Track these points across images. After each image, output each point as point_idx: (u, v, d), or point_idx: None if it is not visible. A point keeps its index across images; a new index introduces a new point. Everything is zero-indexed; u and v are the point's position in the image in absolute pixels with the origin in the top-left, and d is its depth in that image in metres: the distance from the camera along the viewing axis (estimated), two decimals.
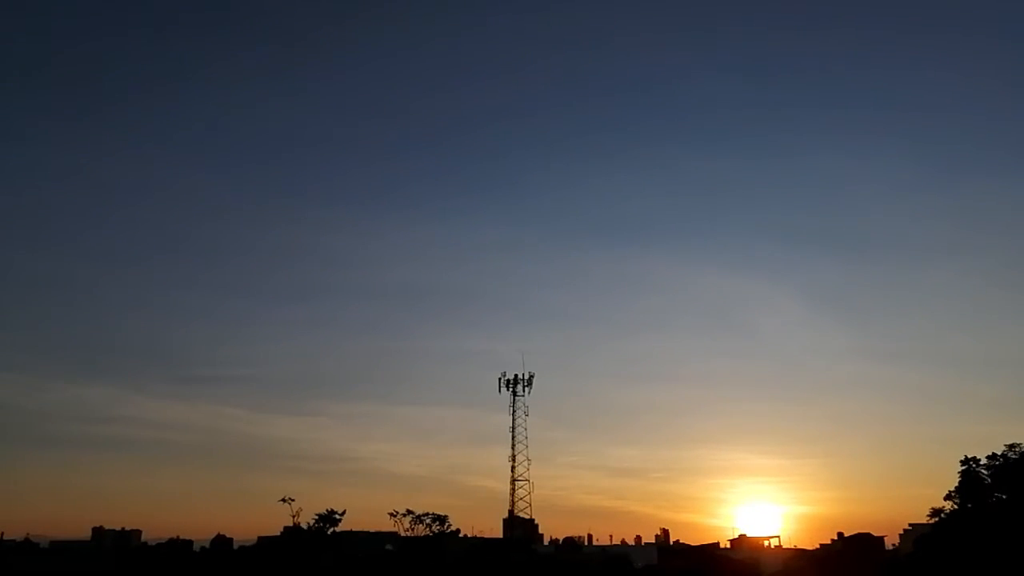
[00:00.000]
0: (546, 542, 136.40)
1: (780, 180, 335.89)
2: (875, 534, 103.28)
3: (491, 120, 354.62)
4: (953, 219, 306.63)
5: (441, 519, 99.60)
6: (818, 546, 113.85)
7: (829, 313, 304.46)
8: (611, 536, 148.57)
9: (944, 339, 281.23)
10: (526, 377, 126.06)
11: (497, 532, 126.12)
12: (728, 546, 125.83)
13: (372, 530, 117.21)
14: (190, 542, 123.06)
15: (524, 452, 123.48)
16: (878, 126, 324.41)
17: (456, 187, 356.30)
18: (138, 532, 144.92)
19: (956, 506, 76.48)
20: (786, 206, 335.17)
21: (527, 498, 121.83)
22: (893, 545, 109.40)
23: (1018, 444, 74.82)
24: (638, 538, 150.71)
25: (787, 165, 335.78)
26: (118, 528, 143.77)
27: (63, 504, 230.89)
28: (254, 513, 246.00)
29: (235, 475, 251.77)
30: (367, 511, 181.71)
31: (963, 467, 76.57)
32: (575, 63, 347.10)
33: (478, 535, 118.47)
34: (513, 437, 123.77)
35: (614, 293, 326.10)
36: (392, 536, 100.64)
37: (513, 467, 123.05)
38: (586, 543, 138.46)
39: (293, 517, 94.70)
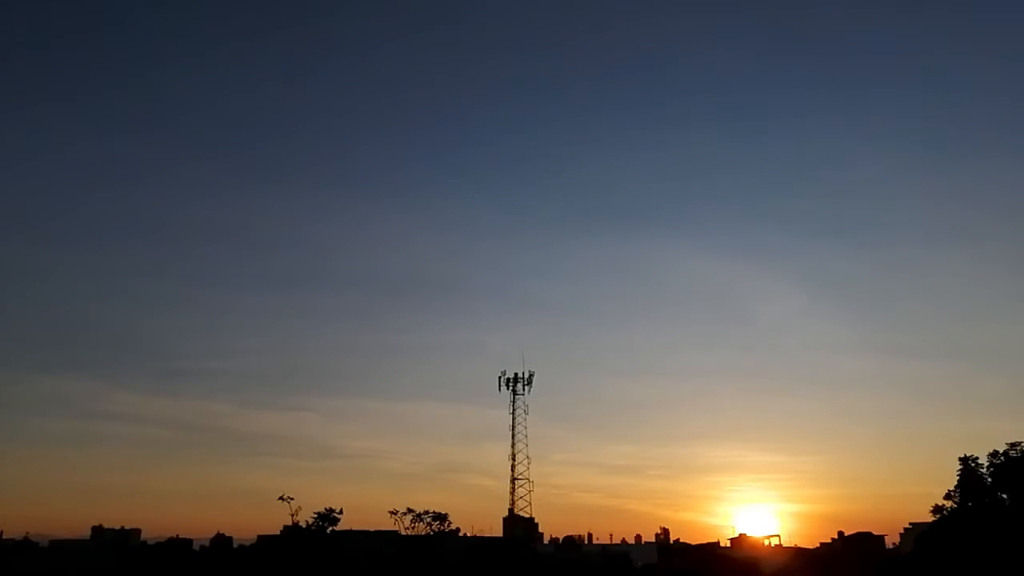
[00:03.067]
0: (546, 541, 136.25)
1: (778, 162, 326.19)
2: (875, 533, 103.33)
3: (482, 104, 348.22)
4: (961, 202, 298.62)
5: (441, 517, 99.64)
6: (818, 545, 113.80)
7: (830, 302, 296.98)
8: (611, 535, 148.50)
9: (950, 330, 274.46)
10: (526, 376, 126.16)
11: (496, 530, 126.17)
12: (728, 545, 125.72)
13: (372, 528, 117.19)
14: (189, 541, 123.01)
15: (524, 451, 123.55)
16: (882, 104, 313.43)
17: (448, 174, 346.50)
18: (137, 531, 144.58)
19: (956, 505, 76.49)
20: (785, 189, 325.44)
21: (527, 496, 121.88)
22: (893, 544, 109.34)
23: (1019, 443, 74.87)
24: (638, 537, 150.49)
25: (786, 146, 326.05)
26: (117, 527, 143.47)
27: (43, 501, 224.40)
28: (251, 512, 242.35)
29: (221, 473, 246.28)
30: (359, 509, 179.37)
31: (962, 465, 76.65)
32: (570, 45, 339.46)
33: (478, 534, 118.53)
34: (513, 436, 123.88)
35: (607, 282, 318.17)
36: (392, 535, 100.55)
37: (513, 466, 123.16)
38: (586, 542, 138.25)
39: (292, 516, 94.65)
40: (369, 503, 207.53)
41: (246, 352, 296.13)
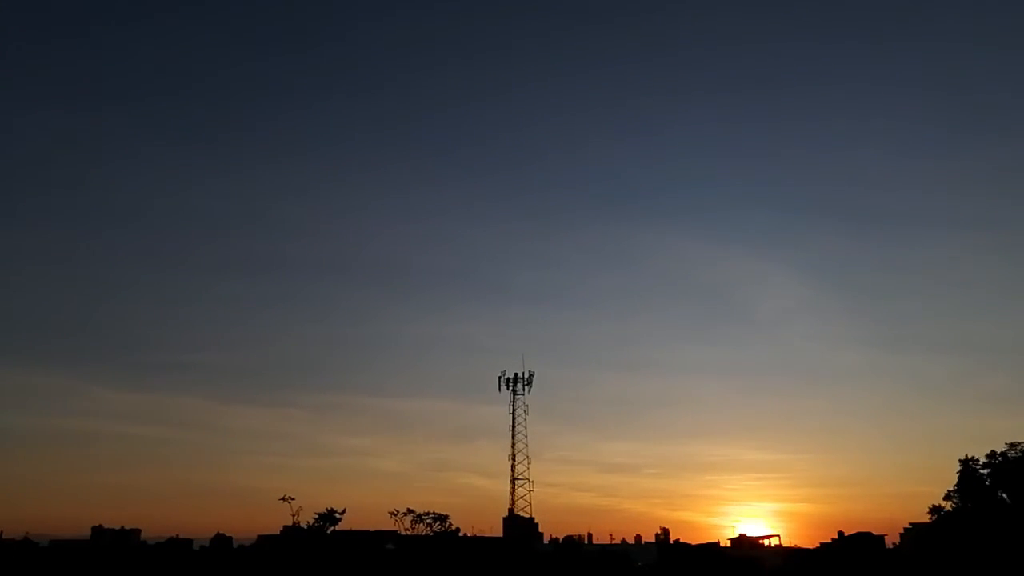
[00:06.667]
0: (545, 541, 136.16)
1: (779, 145, 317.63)
2: (875, 533, 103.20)
3: (473, 92, 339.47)
4: (969, 187, 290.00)
5: (442, 518, 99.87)
6: (818, 545, 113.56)
7: (831, 293, 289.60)
8: (611, 535, 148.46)
9: (956, 323, 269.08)
10: (526, 376, 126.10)
11: (496, 531, 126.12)
12: (728, 545, 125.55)
13: (371, 529, 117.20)
14: (189, 541, 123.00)
15: (524, 451, 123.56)
16: (886, 81, 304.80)
17: (438, 162, 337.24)
18: (137, 531, 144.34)
19: (956, 505, 76.64)
20: (786, 174, 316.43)
21: (527, 496, 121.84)
22: (893, 544, 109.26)
23: (1018, 443, 75.03)
24: (638, 537, 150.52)
25: (784, 127, 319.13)
26: (117, 527, 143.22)
27: (43, 501, 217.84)
28: (251, 512, 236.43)
29: (201, 471, 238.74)
30: (352, 508, 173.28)
31: (962, 466, 76.79)
32: (563, 32, 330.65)
33: (478, 534, 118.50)
34: (513, 436, 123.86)
35: (601, 273, 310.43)
36: (393, 535, 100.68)
37: (513, 466, 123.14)
38: (586, 542, 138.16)
39: (293, 516, 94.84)
40: (361, 503, 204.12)
41: (220, 344, 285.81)
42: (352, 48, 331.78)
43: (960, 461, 76.85)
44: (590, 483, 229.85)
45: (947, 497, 77.54)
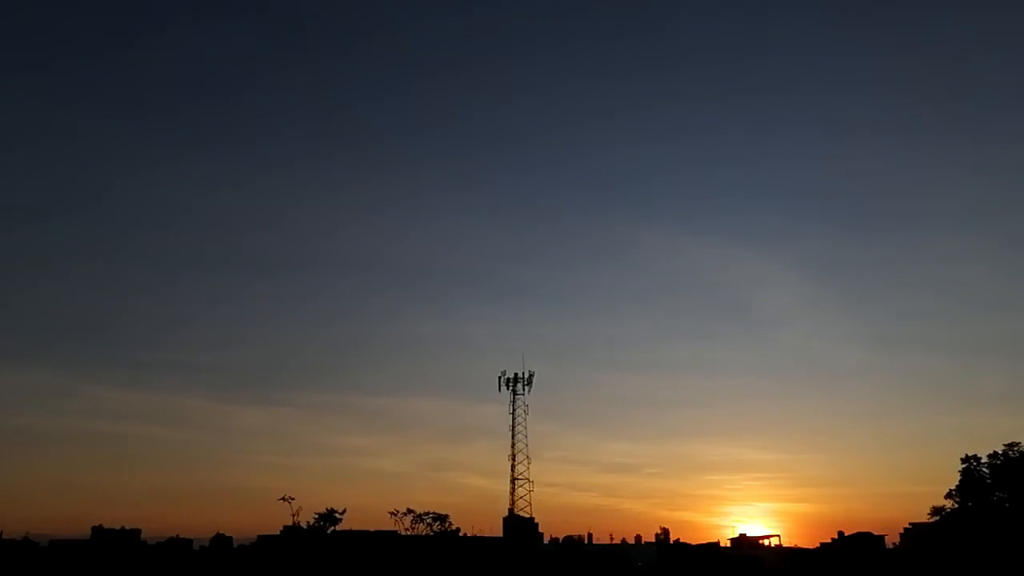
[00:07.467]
0: (545, 541, 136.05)
1: (778, 140, 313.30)
2: (875, 533, 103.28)
3: (474, 93, 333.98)
4: (971, 184, 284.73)
5: (442, 518, 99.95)
6: (818, 545, 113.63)
7: (831, 292, 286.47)
8: (611, 535, 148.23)
9: (957, 321, 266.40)
10: (526, 376, 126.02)
11: (496, 531, 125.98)
12: (728, 545, 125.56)
13: (371, 529, 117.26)
14: (189, 541, 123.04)
15: (524, 451, 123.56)
16: (885, 83, 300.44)
17: (435, 162, 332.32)
18: (137, 531, 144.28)
19: (956, 505, 76.69)
20: (785, 169, 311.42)
21: (527, 497, 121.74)
22: (893, 544, 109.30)
23: (1016, 443, 75.13)
24: (638, 537, 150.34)
25: (784, 128, 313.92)
26: (117, 527, 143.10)
27: (43, 501, 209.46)
28: (251, 512, 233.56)
29: (199, 471, 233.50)
30: (350, 508, 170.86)
31: (964, 466, 76.86)
32: (561, 32, 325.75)
33: (478, 534, 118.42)
34: (513, 436, 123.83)
35: (598, 270, 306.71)
36: (393, 535, 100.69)
37: (513, 466, 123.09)
38: (586, 542, 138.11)
39: (293, 516, 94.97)
40: (361, 503, 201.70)
41: (220, 344, 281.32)
42: (358, 59, 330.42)
43: (962, 460, 76.93)
44: (590, 483, 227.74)
45: (948, 496, 77.60)
